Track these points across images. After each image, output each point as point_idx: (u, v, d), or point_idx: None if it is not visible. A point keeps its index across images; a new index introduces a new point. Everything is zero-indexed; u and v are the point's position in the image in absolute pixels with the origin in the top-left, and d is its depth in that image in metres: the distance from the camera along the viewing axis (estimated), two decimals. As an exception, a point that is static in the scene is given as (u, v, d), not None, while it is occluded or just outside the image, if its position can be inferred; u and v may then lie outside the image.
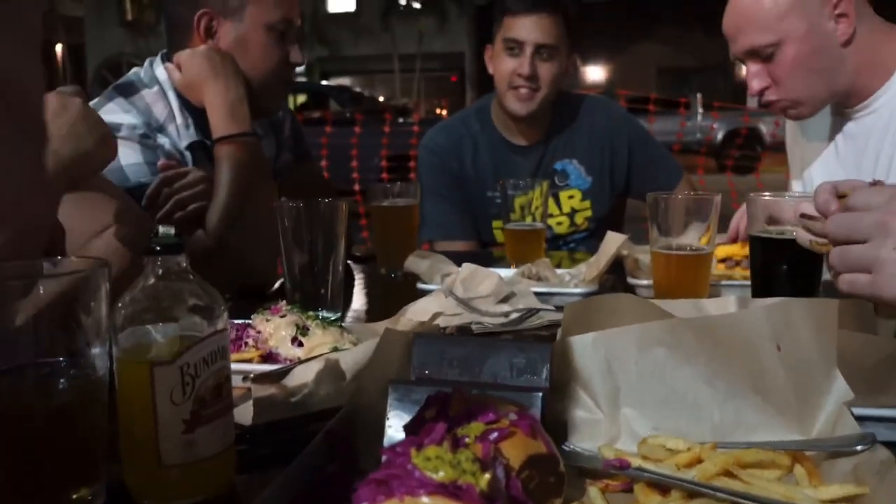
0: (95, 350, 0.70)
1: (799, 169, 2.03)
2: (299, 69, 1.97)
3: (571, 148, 2.40)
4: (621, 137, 2.40)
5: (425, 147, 2.44)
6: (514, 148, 2.38)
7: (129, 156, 1.61)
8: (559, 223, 2.41)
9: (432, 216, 2.38)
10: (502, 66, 2.26)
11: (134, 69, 1.81)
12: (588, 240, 2.42)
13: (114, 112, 1.65)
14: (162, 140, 1.68)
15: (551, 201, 2.37)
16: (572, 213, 2.40)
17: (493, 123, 2.39)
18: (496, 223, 2.35)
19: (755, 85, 1.80)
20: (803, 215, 1.05)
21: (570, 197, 2.39)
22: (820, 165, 1.91)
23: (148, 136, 1.66)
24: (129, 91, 1.72)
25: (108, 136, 1.19)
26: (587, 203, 2.40)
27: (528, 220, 1.86)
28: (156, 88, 1.73)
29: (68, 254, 0.80)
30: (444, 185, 2.37)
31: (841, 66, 1.72)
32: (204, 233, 1.54)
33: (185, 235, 1.51)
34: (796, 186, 2.05)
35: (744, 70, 1.86)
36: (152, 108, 1.70)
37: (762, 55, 1.75)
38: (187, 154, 1.72)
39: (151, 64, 1.79)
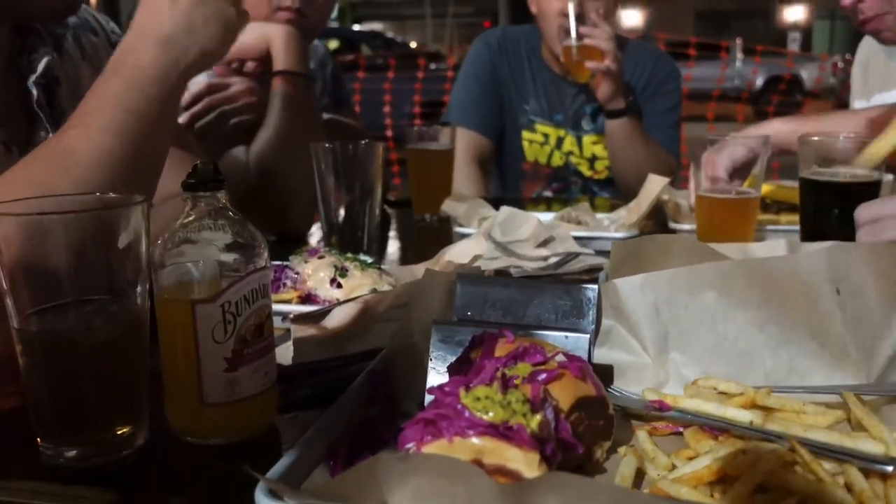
0: (136, 288, 0.70)
1: (867, 92, 1.96)
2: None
3: None
4: (651, 89, 2.34)
5: (482, 39, 2.43)
6: (555, 78, 2.34)
7: None
8: (578, 163, 2.38)
9: (460, 99, 2.39)
10: (547, 5, 2.19)
11: None
12: (606, 187, 2.38)
13: None
14: None
15: (574, 142, 2.34)
16: (593, 159, 2.36)
17: (541, 51, 2.35)
18: (526, 134, 2.36)
19: None
20: None
21: (594, 143, 2.35)
22: None
23: None
24: None
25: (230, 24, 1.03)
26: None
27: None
28: None
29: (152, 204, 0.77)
30: (483, 76, 2.36)
31: None
32: (247, 158, 1.55)
33: (224, 149, 1.49)
34: (858, 105, 2.00)
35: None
36: None
37: None
38: None
39: None
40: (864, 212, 0.92)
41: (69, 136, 0.90)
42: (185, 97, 1.58)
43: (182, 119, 1.54)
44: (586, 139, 2.35)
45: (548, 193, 2.42)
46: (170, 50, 0.96)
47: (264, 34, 1.65)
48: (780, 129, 1.50)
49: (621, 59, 2.11)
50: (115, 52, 0.98)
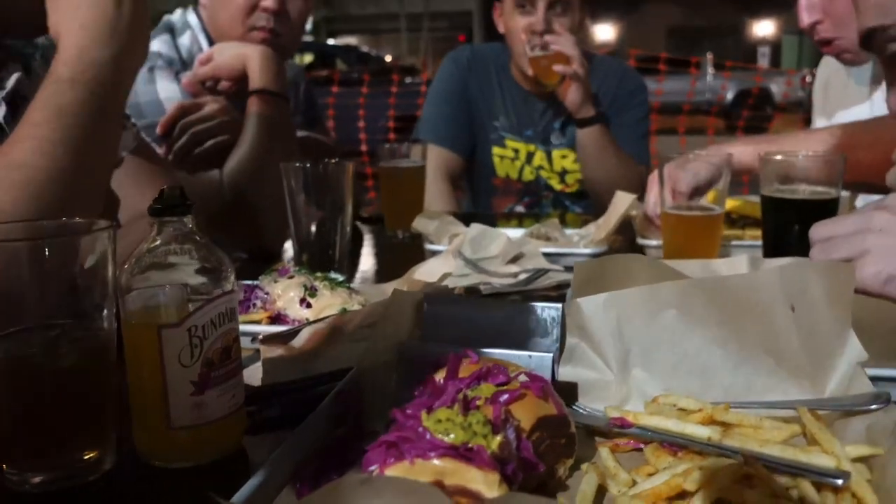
0: (103, 312, 0.70)
1: (828, 110, 2.01)
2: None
3: None
4: (620, 102, 2.38)
5: (452, 57, 2.46)
6: (524, 94, 2.37)
7: (166, 88, 1.69)
8: (549, 178, 2.41)
9: (431, 117, 2.42)
10: (514, 23, 2.22)
11: (167, 16, 1.89)
12: (577, 200, 2.42)
13: (160, 45, 1.78)
14: None
15: (544, 157, 2.37)
16: (563, 173, 2.39)
17: (510, 69, 2.38)
18: (496, 149, 2.40)
19: (805, 18, 1.74)
20: None
21: (563, 157, 2.38)
22: (858, 110, 1.89)
23: (185, 72, 1.75)
24: (173, 31, 1.82)
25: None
26: (578, 165, 2.39)
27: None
28: (188, 33, 1.83)
29: (121, 223, 0.76)
30: (454, 94, 2.39)
31: None
32: (221, 177, 1.57)
33: (202, 170, 1.53)
34: (820, 124, 2.04)
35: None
36: (192, 50, 1.80)
37: None
38: None
39: (184, 12, 1.88)
40: (817, 230, 0.94)
41: (21, 149, 0.87)
42: (159, 125, 1.60)
43: (161, 150, 1.55)
44: (556, 153, 2.38)
45: (520, 208, 2.44)
46: (119, 56, 0.94)
47: (240, 54, 1.66)
48: (740, 150, 1.53)
49: (587, 66, 2.15)
50: (61, 56, 0.94)
